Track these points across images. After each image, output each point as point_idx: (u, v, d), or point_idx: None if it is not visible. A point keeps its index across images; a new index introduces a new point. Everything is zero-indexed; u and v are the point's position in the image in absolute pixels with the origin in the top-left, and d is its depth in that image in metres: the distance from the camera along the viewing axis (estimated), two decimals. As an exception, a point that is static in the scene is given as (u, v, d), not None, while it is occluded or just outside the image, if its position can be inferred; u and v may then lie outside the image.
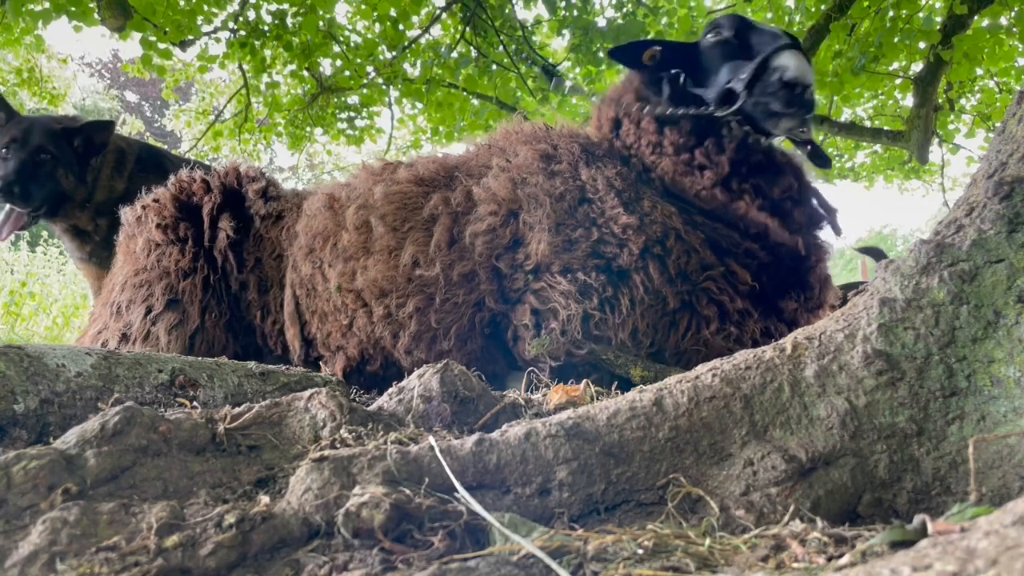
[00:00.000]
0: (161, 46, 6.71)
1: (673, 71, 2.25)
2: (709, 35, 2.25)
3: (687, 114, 2.12)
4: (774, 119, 2.02)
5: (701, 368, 1.11)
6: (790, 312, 2.06)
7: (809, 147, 2.17)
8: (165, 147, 5.19)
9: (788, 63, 1.95)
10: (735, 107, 2.04)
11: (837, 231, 2.20)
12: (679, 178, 2.09)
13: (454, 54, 7.91)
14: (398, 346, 2.16)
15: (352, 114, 9.43)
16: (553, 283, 1.99)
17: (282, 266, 2.67)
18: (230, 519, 0.78)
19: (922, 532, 0.68)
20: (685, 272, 1.97)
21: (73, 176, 4.03)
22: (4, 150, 3.89)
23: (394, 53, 7.99)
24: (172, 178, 2.95)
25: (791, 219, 2.08)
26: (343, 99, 9.22)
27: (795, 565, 0.70)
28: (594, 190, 2.08)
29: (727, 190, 2.05)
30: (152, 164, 4.40)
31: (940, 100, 8.47)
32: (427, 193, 2.31)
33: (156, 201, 2.86)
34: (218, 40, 7.91)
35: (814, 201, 2.17)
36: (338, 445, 1.08)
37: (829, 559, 0.71)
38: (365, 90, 8.59)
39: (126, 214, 2.96)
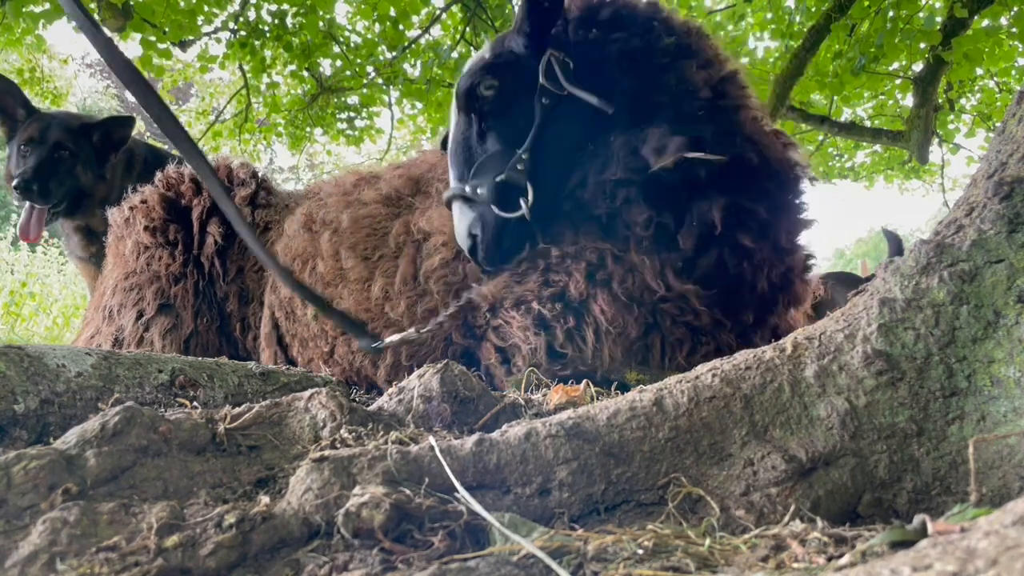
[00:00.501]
0: (161, 46, 6.72)
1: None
2: None
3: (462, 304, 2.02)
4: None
5: (701, 368, 1.11)
6: (751, 323, 1.91)
7: None
8: (166, 147, 5.19)
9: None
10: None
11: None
12: None
13: (454, 54, 7.91)
14: (379, 375, 2.13)
15: (352, 114, 9.43)
16: (508, 319, 1.90)
17: (263, 280, 2.62)
18: (230, 519, 0.78)
19: (922, 532, 0.68)
20: (634, 294, 1.80)
21: (92, 172, 4.03)
22: (23, 147, 3.89)
23: (394, 53, 7.99)
24: (159, 175, 2.90)
25: (677, 247, 1.81)
26: (343, 99, 9.22)
27: (795, 565, 0.70)
28: None
29: (614, 239, 1.84)
30: (156, 164, 4.41)
31: (940, 100, 8.47)
32: (393, 215, 2.26)
33: (144, 202, 2.80)
34: (218, 40, 7.91)
35: (762, 210, 1.82)
36: (338, 445, 1.08)
37: (829, 559, 0.71)
38: (365, 90, 8.59)
39: (114, 215, 2.91)
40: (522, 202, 1.80)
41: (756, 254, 1.85)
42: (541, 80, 1.83)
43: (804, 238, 2.02)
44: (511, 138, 1.85)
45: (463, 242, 1.86)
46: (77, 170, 3.98)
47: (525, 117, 1.85)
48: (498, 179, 1.81)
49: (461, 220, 1.84)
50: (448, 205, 1.89)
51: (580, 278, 1.82)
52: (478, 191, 1.81)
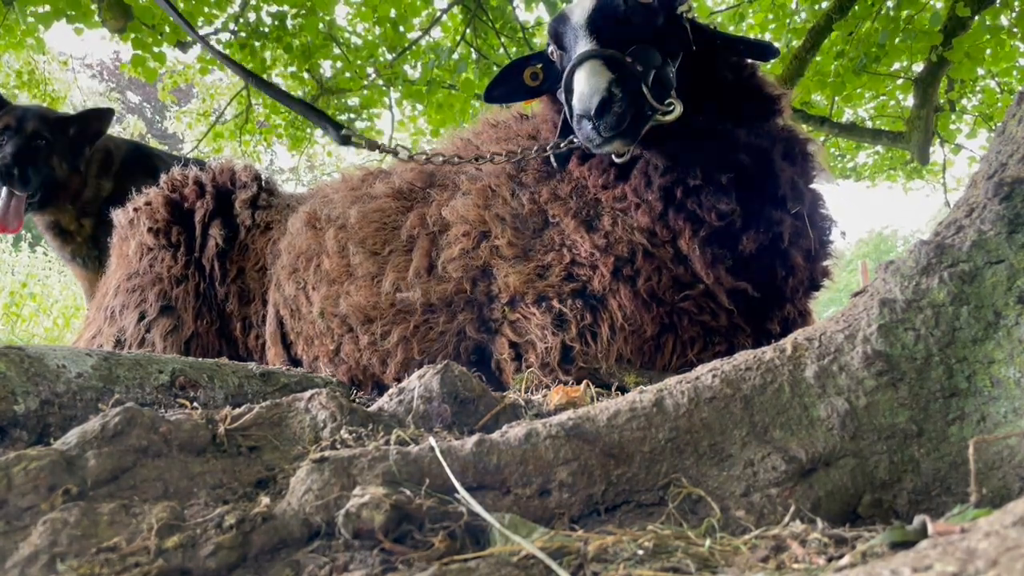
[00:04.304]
0: (156, 49, 6.72)
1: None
2: (548, 46, 1.98)
3: (572, 142, 1.91)
4: (596, 151, 1.79)
5: (701, 369, 1.11)
6: (776, 333, 1.93)
7: (742, 46, 1.96)
8: (166, 148, 5.18)
9: (575, 89, 1.67)
10: (574, 144, 1.85)
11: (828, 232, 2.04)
12: (620, 214, 1.91)
13: (455, 56, 7.91)
14: (387, 374, 2.12)
15: (352, 116, 9.43)
16: (528, 314, 1.90)
17: (265, 279, 2.61)
18: (230, 520, 0.78)
19: (922, 533, 0.68)
20: (657, 293, 1.85)
21: (66, 163, 4.02)
22: (1, 137, 3.88)
23: (394, 55, 8.00)
24: (164, 177, 2.91)
25: (736, 246, 1.85)
26: (343, 101, 9.22)
27: (795, 566, 0.70)
28: (553, 215, 1.98)
29: (667, 227, 1.86)
30: (140, 165, 4.34)
31: (941, 101, 8.47)
32: (405, 209, 2.23)
33: (148, 204, 2.81)
34: (219, 42, 7.92)
35: (787, 193, 1.90)
36: (338, 446, 1.08)
37: (829, 560, 0.71)
38: (365, 92, 8.60)
39: (118, 216, 2.93)
40: (676, 103, 1.71)
41: (800, 272, 1.94)
42: (686, 26, 1.88)
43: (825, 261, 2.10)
44: (657, 46, 1.78)
45: (592, 96, 1.62)
46: (53, 160, 3.95)
47: (666, 42, 1.83)
48: (656, 68, 1.73)
49: (598, 76, 1.64)
50: (579, 61, 1.70)
51: (606, 272, 1.84)
52: (637, 66, 1.68)
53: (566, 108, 1.80)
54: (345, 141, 2.06)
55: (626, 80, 1.64)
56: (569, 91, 1.71)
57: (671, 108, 1.70)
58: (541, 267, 1.93)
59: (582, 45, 1.76)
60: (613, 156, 1.88)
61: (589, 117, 1.63)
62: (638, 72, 1.66)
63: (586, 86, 1.64)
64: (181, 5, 6.79)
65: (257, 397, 1.60)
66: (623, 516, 0.93)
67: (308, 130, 9.51)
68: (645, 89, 1.66)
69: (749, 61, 2.00)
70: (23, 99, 10.05)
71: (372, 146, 2.04)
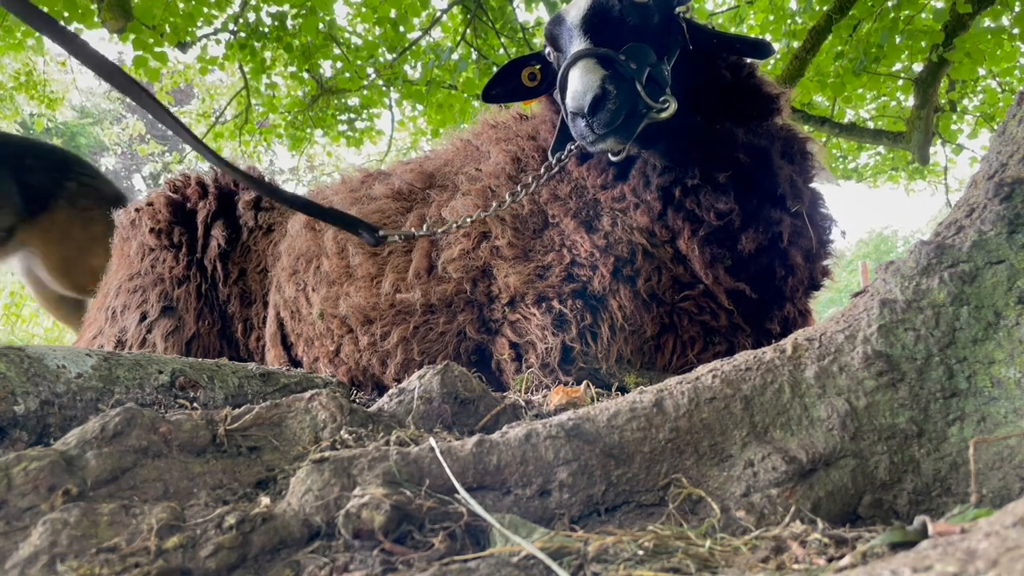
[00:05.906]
0: (158, 49, 6.73)
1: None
2: (546, 48, 2.00)
3: (571, 151, 1.91)
4: (591, 148, 1.76)
5: (701, 369, 1.11)
6: (777, 333, 1.94)
7: (738, 45, 1.95)
8: (166, 148, 5.10)
9: (569, 87, 1.66)
10: (573, 149, 1.87)
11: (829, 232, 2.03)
12: (619, 214, 1.91)
13: (455, 56, 7.91)
14: (387, 374, 2.13)
15: (352, 116, 9.44)
16: (528, 315, 1.91)
17: (266, 281, 2.62)
18: (230, 520, 0.78)
19: (923, 533, 0.68)
20: (657, 293, 1.86)
21: None
22: None
23: (394, 55, 8.00)
24: (165, 178, 2.92)
25: (735, 246, 1.86)
26: (343, 101, 9.23)
27: (795, 566, 0.70)
28: (553, 215, 1.99)
29: (666, 227, 1.88)
30: None
31: (942, 102, 8.47)
32: (405, 210, 2.24)
33: (150, 204, 2.83)
34: (218, 42, 7.93)
35: (785, 191, 1.90)
36: (338, 446, 1.08)
37: (829, 560, 0.71)
38: (365, 92, 8.60)
39: (119, 217, 2.94)
40: (671, 100, 1.70)
41: (800, 272, 1.93)
42: (683, 25, 1.88)
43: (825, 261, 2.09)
44: (652, 45, 1.77)
45: (585, 93, 1.61)
46: None
47: (662, 41, 1.83)
48: (651, 67, 1.71)
49: (592, 73, 1.64)
50: (573, 60, 1.70)
51: (606, 273, 1.85)
52: (631, 64, 1.67)
53: (562, 107, 1.79)
54: (379, 242, 2.01)
55: (619, 77, 1.64)
56: (564, 89, 1.71)
57: (666, 106, 1.69)
58: (541, 267, 1.94)
59: (576, 44, 1.76)
60: (609, 155, 1.89)
61: (583, 114, 1.63)
62: (632, 70, 1.66)
63: (580, 84, 1.63)
64: (181, 6, 6.79)
65: (257, 397, 1.60)
66: (623, 516, 0.93)
67: (308, 130, 9.52)
68: (639, 87, 1.66)
69: (748, 60, 1.99)
70: (20, 101, 10.02)
71: (408, 238, 2.01)
